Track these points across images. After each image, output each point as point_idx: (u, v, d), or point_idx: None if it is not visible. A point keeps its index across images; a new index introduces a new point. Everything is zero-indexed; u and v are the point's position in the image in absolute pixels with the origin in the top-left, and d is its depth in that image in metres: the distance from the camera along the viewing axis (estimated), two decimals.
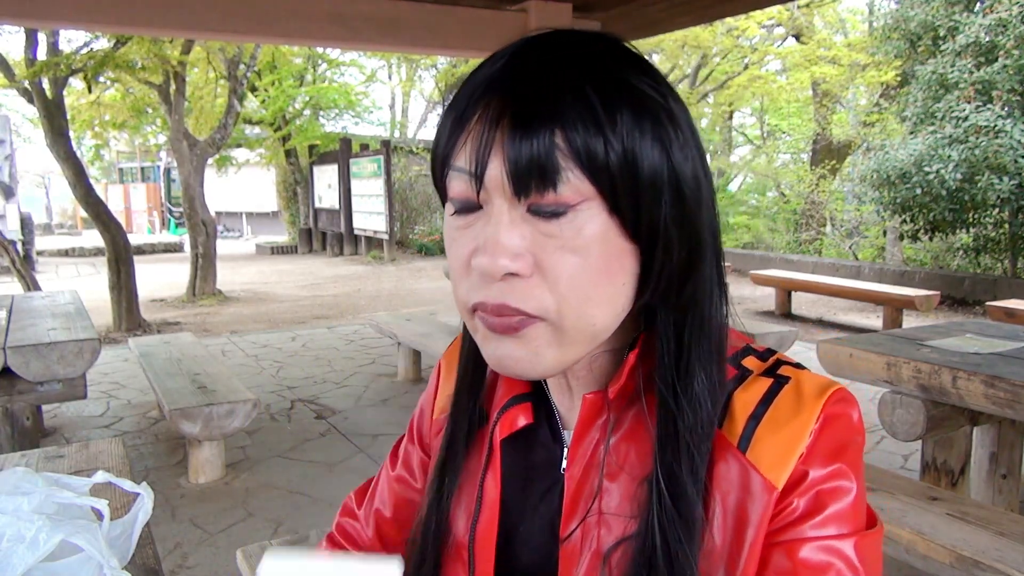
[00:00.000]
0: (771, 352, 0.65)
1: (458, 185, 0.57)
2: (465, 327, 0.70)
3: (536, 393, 0.69)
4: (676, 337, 0.59)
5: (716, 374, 0.60)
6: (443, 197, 0.61)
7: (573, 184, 0.53)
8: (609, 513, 0.61)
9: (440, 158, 0.58)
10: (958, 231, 8.61)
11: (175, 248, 17.46)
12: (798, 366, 0.63)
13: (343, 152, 14.82)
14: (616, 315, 0.58)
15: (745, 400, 0.60)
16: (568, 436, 0.66)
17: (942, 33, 8.46)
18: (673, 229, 0.56)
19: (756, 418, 0.59)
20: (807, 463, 0.57)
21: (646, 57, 0.60)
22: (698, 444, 0.58)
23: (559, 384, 0.68)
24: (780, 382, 0.61)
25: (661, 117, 0.55)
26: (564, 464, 0.66)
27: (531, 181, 0.53)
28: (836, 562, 0.55)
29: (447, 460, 0.71)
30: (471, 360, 0.71)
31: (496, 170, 0.53)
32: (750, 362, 0.63)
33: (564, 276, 0.55)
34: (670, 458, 0.58)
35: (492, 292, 0.56)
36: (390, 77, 19.47)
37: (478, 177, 0.54)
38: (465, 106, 0.56)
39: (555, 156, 0.52)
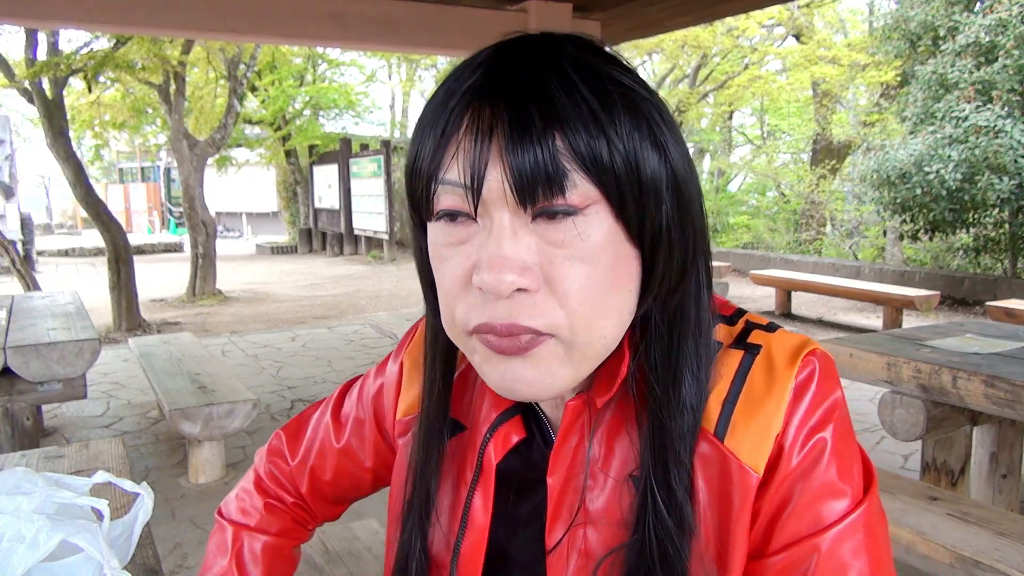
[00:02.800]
0: (740, 313, 0.63)
1: (449, 199, 0.52)
2: (426, 324, 0.66)
3: (522, 404, 0.65)
4: (668, 342, 0.57)
5: (703, 375, 0.57)
6: (422, 216, 0.56)
7: (580, 188, 0.50)
8: (594, 514, 0.60)
9: (425, 175, 0.53)
10: (958, 231, 8.60)
11: (175, 248, 17.46)
12: (769, 328, 0.61)
13: (343, 152, 14.82)
14: (622, 326, 0.56)
15: (717, 380, 0.58)
16: None
17: (942, 33, 8.45)
18: (676, 230, 0.54)
19: (731, 401, 0.57)
20: (783, 438, 0.56)
21: (640, 58, 0.59)
22: (687, 448, 0.56)
23: None
24: (752, 353, 0.59)
25: (654, 115, 0.53)
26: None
27: (537, 188, 0.49)
28: (854, 557, 0.55)
29: (419, 488, 0.67)
30: (438, 372, 0.66)
31: (496, 180, 0.49)
32: (719, 331, 0.61)
33: (574, 288, 0.51)
34: (663, 467, 0.56)
35: (498, 311, 0.51)
36: (390, 77, 19.49)
37: (475, 190, 0.50)
38: (448, 118, 0.52)
39: (560, 160, 0.49)
